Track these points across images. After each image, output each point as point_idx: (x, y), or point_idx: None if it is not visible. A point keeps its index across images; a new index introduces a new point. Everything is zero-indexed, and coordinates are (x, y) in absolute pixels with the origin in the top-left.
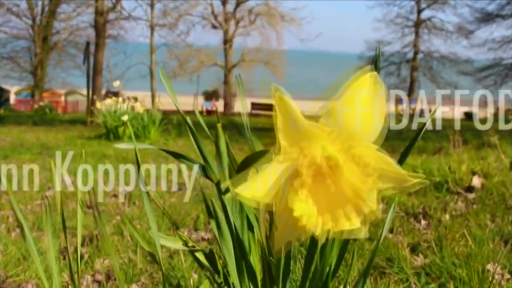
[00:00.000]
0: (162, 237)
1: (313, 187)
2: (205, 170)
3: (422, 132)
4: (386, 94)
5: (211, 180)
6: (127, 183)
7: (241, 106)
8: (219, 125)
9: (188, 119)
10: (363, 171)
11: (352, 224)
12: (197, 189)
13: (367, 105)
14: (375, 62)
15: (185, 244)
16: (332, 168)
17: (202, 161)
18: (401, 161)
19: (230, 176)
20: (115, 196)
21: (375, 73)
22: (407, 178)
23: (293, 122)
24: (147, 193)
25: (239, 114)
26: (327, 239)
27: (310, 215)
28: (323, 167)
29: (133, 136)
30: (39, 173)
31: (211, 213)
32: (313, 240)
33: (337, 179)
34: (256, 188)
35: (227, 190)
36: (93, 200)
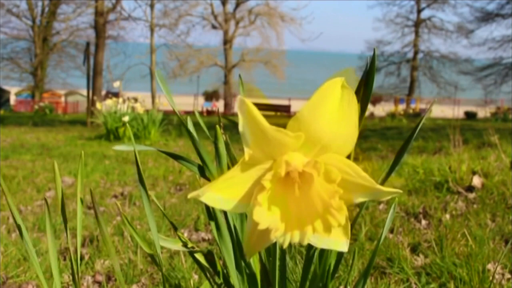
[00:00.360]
0: (162, 238)
1: (281, 200)
2: (203, 171)
3: (416, 131)
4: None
5: (208, 180)
6: (127, 183)
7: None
8: (218, 126)
9: (189, 120)
10: (330, 187)
11: (334, 236)
12: (198, 189)
13: (334, 112)
14: (370, 64)
15: (185, 245)
16: (302, 181)
17: (200, 162)
18: (396, 161)
19: None
20: (115, 196)
21: (343, 78)
22: (382, 192)
23: (258, 128)
24: (147, 194)
25: None
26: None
27: (276, 228)
28: (293, 180)
29: (132, 138)
30: (39, 174)
31: (211, 215)
32: None
33: (306, 192)
34: (223, 194)
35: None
36: (94, 201)
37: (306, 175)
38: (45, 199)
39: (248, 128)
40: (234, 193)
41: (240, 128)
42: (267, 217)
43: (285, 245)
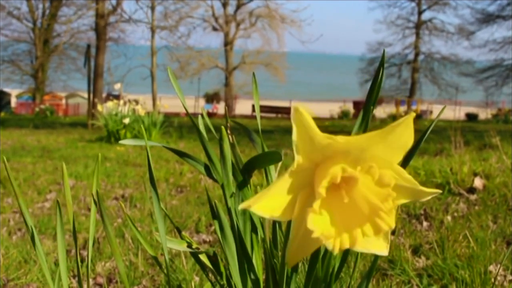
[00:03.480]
0: (167, 239)
1: (330, 205)
2: (209, 170)
3: (426, 135)
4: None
5: (214, 180)
6: (128, 185)
7: (255, 107)
8: (223, 127)
9: (200, 120)
10: (383, 191)
11: (375, 241)
12: (199, 191)
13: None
14: (379, 67)
15: (189, 246)
16: (351, 185)
17: (205, 161)
18: (404, 164)
19: (234, 177)
20: (116, 198)
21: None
22: (424, 193)
23: (310, 137)
24: (157, 195)
25: (240, 116)
26: None
27: (329, 235)
28: (341, 185)
29: (144, 132)
30: (40, 176)
31: (215, 214)
32: None
33: (354, 197)
34: (272, 205)
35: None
36: (97, 203)
37: (350, 180)
38: (57, 201)
39: (301, 137)
40: (282, 201)
41: (294, 137)
42: (321, 224)
43: (336, 251)
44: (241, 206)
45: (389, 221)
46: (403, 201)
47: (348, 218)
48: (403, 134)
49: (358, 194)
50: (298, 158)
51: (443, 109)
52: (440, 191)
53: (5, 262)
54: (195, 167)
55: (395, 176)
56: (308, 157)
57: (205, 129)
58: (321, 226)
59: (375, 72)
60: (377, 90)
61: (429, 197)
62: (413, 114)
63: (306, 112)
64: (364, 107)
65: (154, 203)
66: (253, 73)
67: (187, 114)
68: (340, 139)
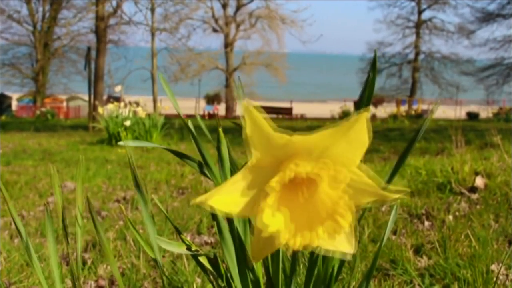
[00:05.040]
0: (165, 242)
1: (289, 202)
2: (202, 168)
3: (421, 133)
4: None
5: (210, 178)
6: (129, 188)
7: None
8: (220, 129)
9: (190, 123)
10: (338, 188)
11: (341, 239)
12: (200, 193)
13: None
14: (371, 66)
15: (189, 248)
16: (308, 183)
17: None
18: (399, 163)
19: None
20: (118, 201)
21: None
22: (386, 195)
23: (265, 136)
24: (144, 197)
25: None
26: None
27: (285, 231)
28: (299, 182)
29: (121, 134)
30: (42, 179)
31: (215, 217)
32: None
33: (313, 194)
34: (229, 200)
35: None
36: (95, 206)
37: (312, 178)
38: (46, 204)
39: (253, 133)
40: (240, 198)
41: (245, 132)
42: (276, 220)
43: (295, 248)
44: (196, 200)
45: (348, 219)
46: (367, 200)
47: (309, 216)
48: (359, 132)
49: (319, 192)
50: (256, 154)
51: (437, 105)
52: (408, 190)
53: (7, 266)
54: (195, 168)
55: (354, 173)
56: (267, 154)
57: (205, 130)
58: (276, 222)
59: (368, 73)
60: (369, 91)
61: (394, 202)
62: (367, 112)
63: (257, 109)
64: (356, 108)
65: (141, 206)
66: (239, 77)
67: (181, 118)
68: (295, 138)
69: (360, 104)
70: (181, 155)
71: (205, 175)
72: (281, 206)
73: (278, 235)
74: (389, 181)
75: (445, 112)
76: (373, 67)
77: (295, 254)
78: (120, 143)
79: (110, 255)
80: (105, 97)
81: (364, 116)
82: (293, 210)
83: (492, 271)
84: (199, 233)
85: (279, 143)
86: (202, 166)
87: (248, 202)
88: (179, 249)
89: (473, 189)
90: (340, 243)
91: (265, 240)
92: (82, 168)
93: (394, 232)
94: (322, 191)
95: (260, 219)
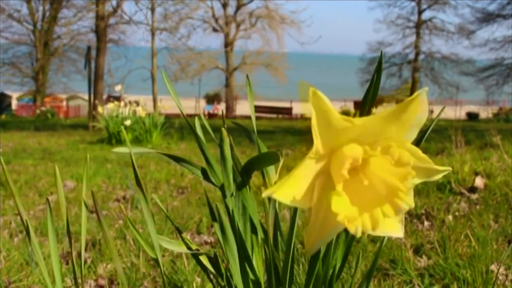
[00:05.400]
0: (165, 241)
1: (350, 188)
2: (206, 174)
3: (426, 134)
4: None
5: (212, 183)
6: (129, 187)
7: (250, 108)
8: (223, 129)
9: (196, 121)
10: (402, 170)
11: (390, 223)
12: (200, 192)
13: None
14: (377, 66)
15: (189, 247)
16: (366, 167)
17: (203, 164)
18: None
19: (234, 179)
20: (117, 200)
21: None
22: (437, 171)
23: (328, 120)
24: (144, 195)
25: (241, 117)
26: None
27: (352, 217)
28: (360, 167)
29: (127, 142)
30: (42, 178)
31: (215, 217)
32: None
33: (373, 178)
34: (292, 192)
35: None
36: (96, 205)
37: (367, 163)
38: (48, 200)
39: (319, 119)
40: (302, 188)
41: (313, 120)
42: (345, 207)
43: (359, 234)
44: (264, 194)
45: (408, 201)
46: (418, 180)
47: (367, 200)
48: (417, 110)
49: (374, 175)
50: (317, 143)
51: (442, 109)
52: (450, 169)
53: (6, 265)
54: (192, 171)
55: (411, 155)
56: (326, 142)
57: (204, 130)
58: (344, 209)
59: (372, 74)
60: (373, 92)
61: (441, 175)
62: (426, 89)
63: (325, 96)
64: (360, 109)
65: (142, 204)
66: (247, 75)
67: (184, 117)
68: (357, 120)
69: (364, 104)
70: (177, 159)
71: (208, 180)
72: (345, 191)
73: (346, 221)
74: None
75: (445, 112)
76: (379, 68)
77: (293, 253)
78: (118, 149)
79: (114, 251)
80: (105, 97)
81: (421, 94)
82: (354, 195)
83: (492, 271)
84: (198, 233)
85: (341, 126)
86: (206, 173)
87: (307, 192)
88: (179, 248)
89: (473, 189)
90: (390, 227)
91: (319, 230)
92: (88, 167)
93: None
94: (377, 174)
95: (334, 205)
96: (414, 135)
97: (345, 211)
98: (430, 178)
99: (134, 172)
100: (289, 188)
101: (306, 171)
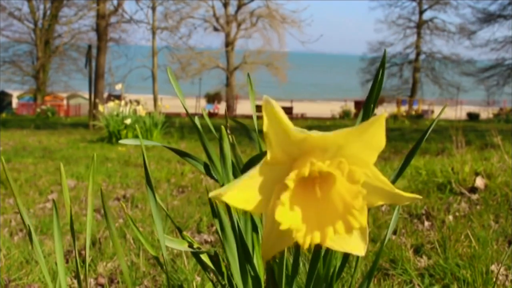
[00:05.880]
0: (167, 239)
1: (302, 200)
2: (208, 169)
3: (427, 135)
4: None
5: (214, 179)
6: (129, 186)
7: (251, 107)
8: (223, 126)
9: (197, 119)
10: (353, 188)
11: (346, 241)
12: (200, 191)
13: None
14: (381, 63)
15: (191, 246)
16: (322, 181)
17: (206, 161)
18: (405, 164)
19: (235, 177)
20: (118, 199)
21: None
22: (401, 197)
23: (283, 131)
24: (153, 193)
25: (241, 116)
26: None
27: (298, 229)
28: (313, 180)
29: (140, 136)
30: (42, 177)
31: (215, 214)
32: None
33: (327, 193)
34: (244, 196)
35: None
36: (95, 204)
37: (326, 176)
38: (53, 201)
39: (271, 128)
40: (255, 193)
41: (264, 128)
42: (289, 217)
43: (306, 246)
44: (212, 194)
45: (360, 219)
46: (380, 202)
47: (321, 215)
48: (376, 134)
49: (333, 191)
50: (271, 150)
51: (444, 108)
52: (420, 197)
53: (6, 263)
54: (196, 167)
55: (367, 175)
56: (283, 150)
57: (205, 129)
58: (289, 220)
59: (376, 72)
60: (377, 89)
61: (407, 203)
62: (385, 114)
63: (277, 105)
64: (364, 106)
65: (151, 202)
66: (248, 74)
67: (187, 114)
68: (315, 134)
69: (368, 103)
70: (182, 154)
71: (211, 176)
72: (295, 204)
73: (290, 232)
74: (393, 182)
75: (445, 112)
76: (382, 65)
77: (297, 253)
78: (124, 141)
79: (119, 249)
80: (105, 95)
81: (382, 119)
82: (306, 209)
83: (492, 271)
84: (199, 232)
85: (296, 139)
86: (208, 168)
87: (262, 199)
88: (181, 246)
89: (473, 190)
90: (351, 244)
91: (275, 238)
92: (94, 166)
93: (394, 232)
94: (336, 190)
95: (274, 215)
96: (374, 157)
97: (290, 222)
98: (394, 203)
99: (145, 170)
100: (240, 191)
101: (261, 177)
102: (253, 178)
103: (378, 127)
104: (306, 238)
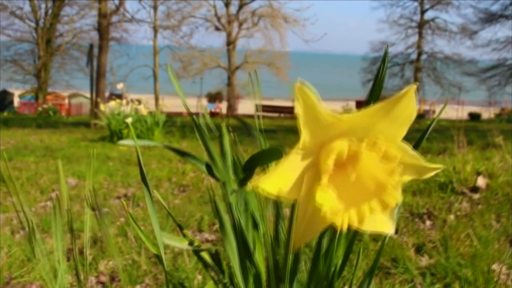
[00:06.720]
0: (168, 237)
1: (337, 183)
2: (210, 168)
3: (427, 134)
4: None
5: (216, 178)
6: (130, 185)
7: (254, 105)
8: (223, 124)
9: (201, 118)
10: (389, 165)
11: (380, 219)
12: (201, 190)
13: (394, 104)
14: (383, 60)
15: (191, 243)
16: (355, 162)
17: (207, 160)
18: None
19: (236, 175)
20: (119, 198)
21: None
22: (428, 168)
23: (315, 115)
24: (149, 193)
25: (242, 116)
26: (331, 239)
27: (336, 211)
28: (347, 162)
29: (135, 138)
30: (43, 175)
31: (217, 212)
32: (319, 240)
33: (360, 173)
34: (279, 183)
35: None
36: (98, 202)
37: (355, 156)
38: (53, 198)
39: (305, 112)
40: (289, 180)
41: (299, 113)
42: (329, 200)
43: (345, 228)
44: (249, 185)
45: (396, 196)
46: (408, 177)
47: (355, 195)
48: (407, 107)
49: (363, 171)
50: (304, 136)
51: (445, 105)
52: (443, 166)
53: (8, 261)
54: (197, 166)
55: (400, 151)
56: (313, 136)
57: (206, 128)
58: (329, 202)
59: (377, 70)
60: (379, 86)
61: (433, 173)
62: (415, 86)
63: (310, 89)
64: (366, 106)
65: (147, 199)
66: (250, 73)
67: (189, 112)
68: (345, 117)
69: (370, 99)
70: (182, 153)
71: (212, 175)
72: (331, 185)
73: (321, 218)
74: None
75: (447, 112)
76: (384, 62)
77: (298, 249)
78: (123, 141)
79: (114, 249)
80: (107, 94)
81: (411, 90)
82: (341, 190)
83: (493, 270)
84: (200, 231)
85: (328, 121)
86: (210, 167)
87: (295, 184)
88: (181, 244)
89: (474, 189)
90: (381, 223)
91: (306, 224)
92: (93, 164)
93: (396, 231)
94: (366, 169)
95: (310, 200)
96: (404, 131)
97: (330, 204)
98: (421, 176)
99: (139, 168)
100: (276, 180)
101: (294, 163)
102: (287, 165)
103: (409, 99)
104: (344, 219)
